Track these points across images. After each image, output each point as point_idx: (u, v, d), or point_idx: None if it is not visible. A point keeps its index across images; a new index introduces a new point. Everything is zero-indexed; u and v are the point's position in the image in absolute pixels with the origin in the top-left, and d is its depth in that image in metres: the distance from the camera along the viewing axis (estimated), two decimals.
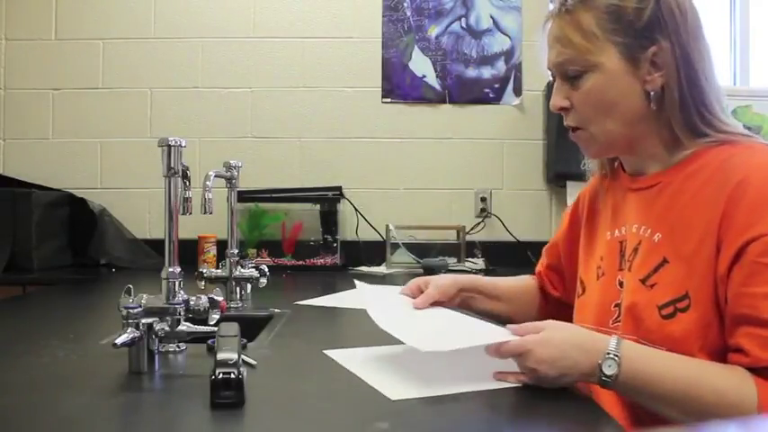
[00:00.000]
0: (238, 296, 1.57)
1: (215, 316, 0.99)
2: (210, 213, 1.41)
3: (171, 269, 0.98)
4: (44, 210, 2.39)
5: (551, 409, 0.81)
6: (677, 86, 0.93)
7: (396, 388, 0.84)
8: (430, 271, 2.34)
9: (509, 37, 2.70)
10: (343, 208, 2.61)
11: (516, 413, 0.83)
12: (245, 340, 0.97)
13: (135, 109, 2.69)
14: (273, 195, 2.54)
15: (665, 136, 0.97)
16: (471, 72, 2.70)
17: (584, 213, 1.16)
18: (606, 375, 0.82)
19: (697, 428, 0.39)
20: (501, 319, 1.22)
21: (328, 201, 2.55)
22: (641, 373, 0.83)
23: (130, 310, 0.90)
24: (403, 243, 2.51)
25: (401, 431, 0.72)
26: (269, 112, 2.70)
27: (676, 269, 0.90)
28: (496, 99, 2.70)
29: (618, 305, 0.99)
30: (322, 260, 2.49)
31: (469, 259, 2.54)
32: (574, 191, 1.11)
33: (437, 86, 2.70)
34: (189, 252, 1.96)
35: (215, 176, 1.50)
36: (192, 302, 0.98)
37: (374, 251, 2.55)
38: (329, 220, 2.54)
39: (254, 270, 1.57)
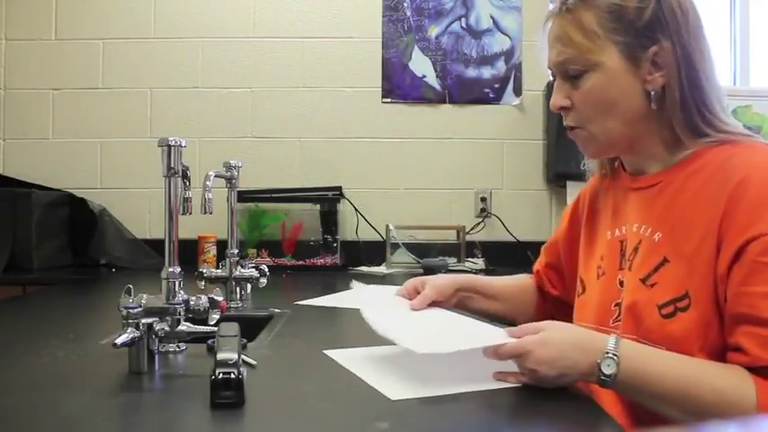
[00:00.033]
0: (238, 296, 1.57)
1: (215, 316, 0.99)
2: (210, 213, 1.41)
3: (171, 269, 0.98)
4: (44, 210, 2.39)
5: (551, 409, 0.81)
6: (678, 86, 0.93)
7: (396, 388, 0.83)
8: (430, 271, 2.34)
9: (509, 37, 2.70)
10: (343, 208, 2.61)
11: (516, 413, 0.83)
12: (245, 340, 0.97)
13: (135, 109, 2.69)
14: (273, 195, 2.54)
15: (666, 136, 0.97)
16: (471, 72, 2.70)
17: (584, 212, 1.16)
18: (605, 374, 0.82)
19: (697, 428, 0.39)
20: (498, 319, 1.22)
21: (328, 201, 2.55)
22: (640, 372, 0.83)
23: (130, 310, 0.90)
24: (403, 243, 2.51)
25: (401, 431, 0.72)
26: (269, 112, 2.70)
27: (677, 268, 0.90)
28: (496, 99, 2.70)
29: (618, 304, 0.99)
30: (322, 260, 2.49)
31: (469, 259, 2.54)
32: (574, 191, 1.12)
33: (437, 86, 2.70)
34: (189, 252, 1.96)
35: (215, 176, 1.50)
36: (192, 302, 0.98)
37: (374, 251, 2.55)
38: (329, 220, 2.54)
39: (254, 270, 1.57)
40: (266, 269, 1.58)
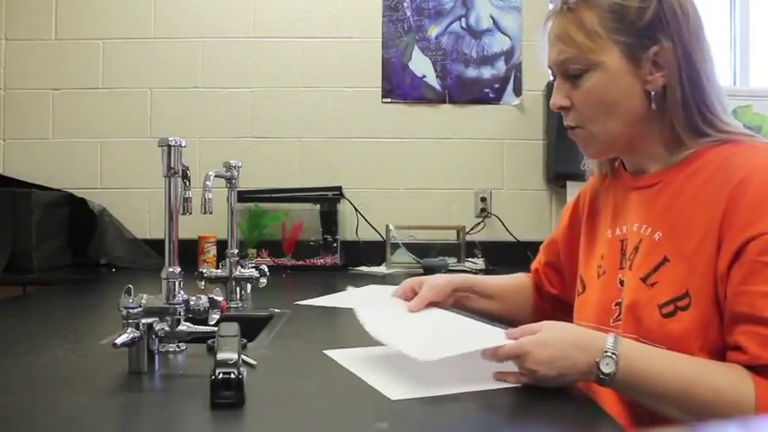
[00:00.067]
0: (238, 296, 1.57)
1: (215, 316, 0.99)
2: (210, 213, 1.41)
3: (171, 269, 0.98)
4: (44, 210, 2.39)
5: (551, 409, 0.81)
6: (679, 86, 0.93)
7: (396, 388, 0.83)
8: (430, 271, 2.34)
9: (509, 37, 2.70)
10: (343, 208, 2.60)
11: (516, 413, 0.83)
12: (245, 340, 0.97)
13: (135, 109, 2.69)
14: (273, 195, 2.54)
15: (666, 136, 0.97)
16: (471, 72, 2.70)
17: (584, 211, 1.16)
18: (604, 373, 0.82)
19: (697, 428, 0.39)
20: (496, 318, 1.22)
21: (328, 201, 2.55)
22: (639, 371, 0.83)
23: (130, 310, 0.90)
24: (403, 243, 2.51)
25: (401, 431, 0.72)
26: (269, 112, 2.70)
27: (677, 268, 0.90)
28: (496, 99, 2.70)
29: (618, 304, 0.99)
30: (322, 260, 2.49)
31: (469, 259, 2.54)
32: (574, 191, 1.12)
33: (437, 86, 2.70)
34: (189, 252, 1.96)
35: (215, 176, 1.50)
36: (192, 302, 0.98)
37: (374, 251, 2.55)
38: (329, 220, 2.54)
39: (254, 270, 1.57)
40: (266, 269, 1.58)
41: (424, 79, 2.70)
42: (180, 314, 0.96)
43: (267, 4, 2.71)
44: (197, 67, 2.70)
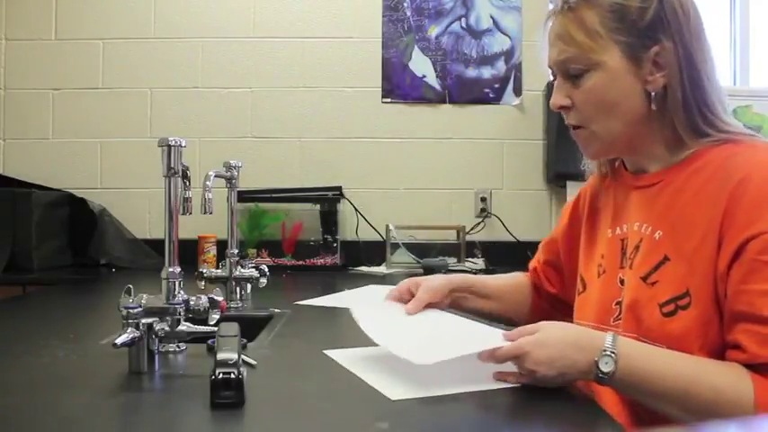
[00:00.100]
0: (238, 296, 1.57)
1: (215, 316, 0.99)
2: (210, 213, 1.41)
3: (171, 269, 0.98)
4: (44, 210, 2.39)
5: (551, 409, 0.81)
6: (680, 87, 0.93)
7: (396, 388, 0.84)
8: (430, 271, 2.34)
9: (509, 37, 2.70)
10: (343, 208, 2.60)
11: (516, 413, 0.83)
12: (245, 340, 0.97)
13: (135, 109, 2.69)
14: (273, 195, 2.54)
15: (667, 136, 0.97)
16: (471, 72, 2.70)
17: (584, 211, 1.16)
18: (603, 372, 0.82)
19: (697, 428, 0.39)
20: (494, 318, 1.22)
21: (328, 201, 2.55)
22: (638, 369, 0.83)
23: (130, 310, 0.90)
24: (403, 243, 2.51)
25: (401, 431, 0.72)
26: (269, 112, 2.70)
27: (677, 267, 0.90)
28: (496, 99, 2.70)
29: (619, 303, 0.99)
30: (322, 260, 2.49)
31: (469, 259, 2.54)
32: (574, 191, 1.12)
33: (437, 86, 2.70)
34: (189, 252, 1.96)
35: (215, 176, 1.50)
36: (192, 302, 0.98)
37: (374, 251, 2.55)
38: (329, 220, 2.54)
39: (254, 270, 1.57)
40: (266, 269, 1.58)
41: (424, 79, 2.70)
42: (180, 314, 0.96)
43: (267, 4, 2.71)
44: (197, 67, 2.70)
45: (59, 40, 2.69)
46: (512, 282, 1.30)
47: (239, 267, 1.57)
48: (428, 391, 0.83)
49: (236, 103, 2.70)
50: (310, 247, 2.52)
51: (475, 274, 2.33)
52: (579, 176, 1.20)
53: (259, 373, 0.92)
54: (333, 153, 2.70)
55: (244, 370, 0.78)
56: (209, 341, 0.97)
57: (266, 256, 2.48)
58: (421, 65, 2.69)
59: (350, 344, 1.06)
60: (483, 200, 2.69)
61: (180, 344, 1.02)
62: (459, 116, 2.71)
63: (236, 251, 1.60)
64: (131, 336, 0.89)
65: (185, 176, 1.01)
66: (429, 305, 1.10)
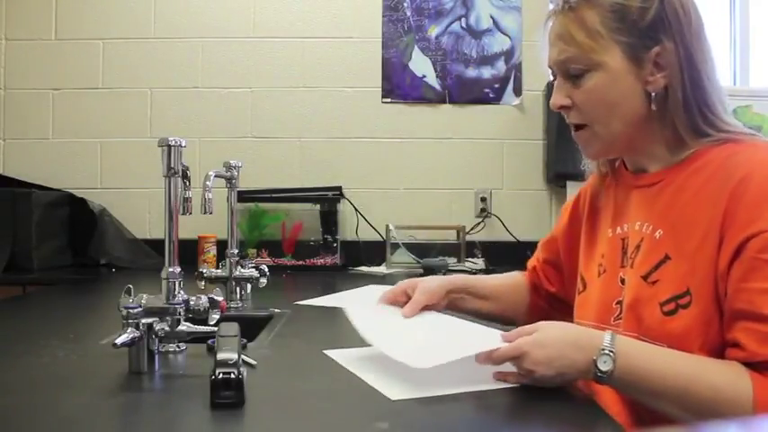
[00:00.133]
0: (238, 296, 1.57)
1: (215, 316, 0.99)
2: (210, 213, 1.41)
3: (171, 269, 0.98)
4: (44, 210, 2.39)
5: (551, 409, 0.81)
6: (680, 87, 0.93)
7: (396, 388, 0.84)
8: (430, 271, 2.35)
9: (509, 37, 2.70)
10: (343, 208, 2.60)
11: (516, 413, 0.83)
12: (245, 340, 0.97)
13: (135, 109, 2.69)
14: (273, 195, 2.54)
15: (668, 136, 0.97)
16: (471, 72, 2.70)
17: (584, 210, 1.16)
18: (601, 371, 0.82)
19: (698, 428, 0.39)
20: (492, 318, 1.22)
21: (328, 201, 2.55)
22: (637, 368, 0.83)
23: (130, 310, 0.90)
24: (403, 243, 2.51)
25: (401, 431, 0.72)
26: (269, 112, 2.70)
27: (678, 266, 0.90)
28: (496, 99, 2.70)
29: (619, 302, 0.99)
30: (322, 260, 2.49)
31: (469, 259, 2.54)
32: (574, 191, 1.12)
33: (437, 86, 2.70)
34: (189, 252, 1.96)
35: (215, 176, 1.50)
36: (192, 302, 0.98)
37: (374, 251, 2.55)
38: (329, 220, 2.54)
39: (254, 270, 1.57)
40: (266, 269, 1.58)
41: (424, 79, 2.70)
42: (180, 314, 0.96)
43: (267, 4, 2.71)
44: (197, 67, 2.70)
45: (59, 40, 2.69)
46: (509, 282, 1.30)
47: (239, 267, 1.57)
48: (428, 391, 0.83)
49: (236, 103, 2.70)
50: (310, 247, 2.52)
51: (474, 274, 2.34)
52: (579, 176, 1.20)
53: (259, 373, 0.92)
54: (333, 153, 2.70)
55: (244, 370, 0.78)
56: (209, 341, 0.97)
57: (266, 256, 2.48)
58: (421, 65, 2.69)
59: (350, 344, 1.06)
60: (483, 200, 2.69)
61: (180, 344, 1.02)
62: (459, 116, 2.71)
63: (236, 251, 1.60)
64: (131, 336, 0.89)
65: (185, 176, 1.01)
66: (426, 307, 1.10)
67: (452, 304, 1.18)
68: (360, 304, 1.12)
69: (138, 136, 2.67)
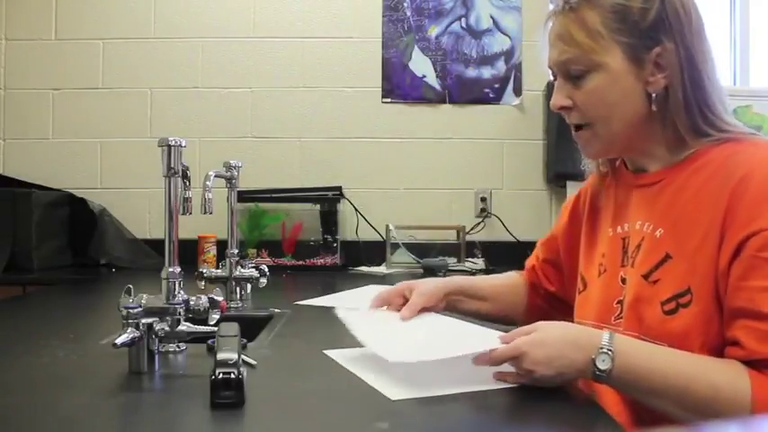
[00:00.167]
0: (238, 296, 1.57)
1: (215, 316, 0.99)
2: (210, 213, 1.41)
3: (171, 269, 0.98)
4: (44, 210, 2.39)
5: (551, 409, 0.81)
6: (681, 88, 0.93)
7: (396, 388, 0.84)
8: (430, 271, 2.35)
9: (509, 37, 2.70)
10: (343, 208, 2.60)
11: (516, 413, 0.83)
12: (245, 340, 0.97)
13: (135, 109, 2.69)
14: (273, 195, 2.54)
15: (668, 136, 0.97)
16: (471, 72, 2.70)
17: (584, 209, 1.16)
18: (600, 370, 0.82)
19: (698, 428, 0.39)
20: (490, 319, 1.22)
21: (328, 201, 2.55)
22: (636, 367, 0.83)
23: (130, 310, 0.90)
24: (403, 243, 2.51)
25: (401, 431, 0.72)
26: (269, 112, 2.70)
27: (679, 265, 0.90)
28: (496, 99, 2.70)
29: (620, 302, 0.99)
30: (322, 260, 2.49)
31: (469, 259, 2.54)
32: (574, 191, 1.12)
33: (437, 86, 2.70)
34: (189, 252, 1.96)
35: (215, 176, 1.50)
36: (192, 302, 0.98)
37: (374, 251, 2.55)
38: (329, 220, 2.54)
39: (254, 270, 1.57)
40: (266, 269, 1.58)
41: (424, 79, 2.70)
42: (180, 314, 0.96)
43: (267, 4, 2.71)
44: (197, 67, 2.70)
45: (59, 40, 2.69)
46: (507, 282, 1.30)
47: (239, 267, 1.57)
48: (428, 391, 0.83)
49: (236, 103, 2.70)
50: (310, 247, 2.52)
51: (474, 274, 2.34)
52: (579, 176, 1.20)
53: (259, 373, 0.92)
54: (333, 153, 2.70)
55: (244, 370, 0.78)
56: (209, 341, 0.97)
57: (266, 256, 2.48)
58: (421, 65, 2.69)
59: (350, 344, 1.06)
60: (483, 200, 2.69)
61: (180, 344, 1.02)
62: (459, 116, 2.71)
63: (236, 251, 1.60)
64: (131, 336, 0.89)
65: (185, 176, 1.01)
66: (424, 309, 1.10)
67: (450, 306, 1.18)
68: (353, 308, 1.11)
69: (138, 136, 2.67)
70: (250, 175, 2.45)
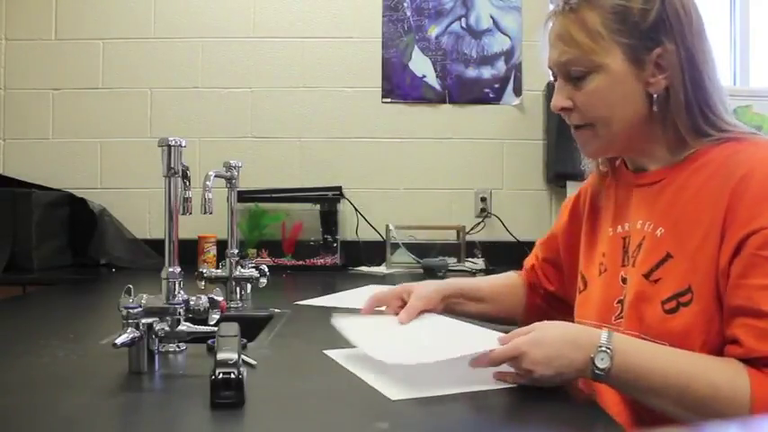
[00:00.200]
0: (238, 296, 1.57)
1: (215, 316, 0.99)
2: (210, 213, 1.41)
3: (171, 269, 0.98)
4: (44, 210, 2.39)
5: (551, 409, 0.81)
6: (682, 88, 0.93)
7: (396, 388, 0.83)
8: (430, 270, 2.35)
9: (509, 37, 2.70)
10: (343, 208, 2.60)
11: (516, 413, 0.83)
12: (245, 340, 0.97)
13: (135, 109, 2.69)
14: (273, 195, 2.54)
15: (669, 136, 0.96)
16: (471, 72, 2.70)
17: (585, 209, 1.16)
18: (599, 369, 0.82)
19: (698, 428, 0.39)
20: (489, 320, 1.22)
21: (328, 201, 2.55)
22: (635, 366, 0.83)
23: (130, 310, 0.90)
24: (403, 243, 2.51)
25: (401, 431, 0.72)
26: (269, 112, 2.70)
27: (680, 264, 0.90)
28: (496, 99, 2.70)
29: (621, 301, 0.99)
30: (322, 260, 2.49)
31: (469, 259, 2.54)
32: (574, 191, 1.12)
33: (437, 86, 2.70)
34: (189, 252, 1.96)
35: (215, 176, 1.50)
36: (192, 302, 0.98)
37: (374, 251, 2.55)
38: (329, 220, 2.54)
39: (254, 270, 1.57)
40: (266, 269, 1.58)
41: (424, 79, 2.70)
42: (180, 314, 0.96)
43: (267, 4, 2.71)
44: (197, 67, 2.70)
45: (59, 40, 2.69)
46: (506, 282, 1.30)
47: (239, 267, 1.57)
48: (428, 391, 0.83)
49: (236, 103, 2.70)
50: (310, 247, 2.51)
51: (474, 274, 2.34)
52: (579, 176, 1.20)
53: (259, 373, 0.92)
54: (333, 153, 2.70)
55: (244, 370, 0.78)
56: (209, 341, 0.97)
57: (266, 256, 2.48)
58: (421, 65, 2.69)
59: (350, 344, 1.05)
60: (483, 200, 2.69)
61: (180, 344, 1.02)
62: (459, 116, 2.71)
63: (236, 251, 1.60)
64: (131, 336, 0.89)
65: (185, 176, 1.01)
66: (422, 312, 1.10)
67: (449, 309, 1.18)
68: (350, 315, 1.11)
69: (138, 136, 2.67)
70: (250, 175, 2.45)
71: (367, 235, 2.62)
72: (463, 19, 2.70)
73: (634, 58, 0.94)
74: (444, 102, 2.70)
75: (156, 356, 0.93)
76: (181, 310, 0.96)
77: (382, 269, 2.46)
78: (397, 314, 1.10)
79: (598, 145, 1.02)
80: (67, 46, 2.69)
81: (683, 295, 0.88)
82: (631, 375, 0.83)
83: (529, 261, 1.30)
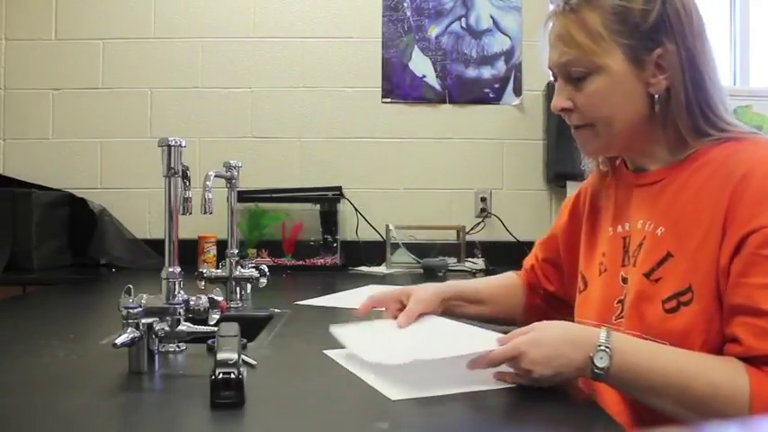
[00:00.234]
0: (238, 296, 1.57)
1: (215, 316, 0.99)
2: (210, 213, 1.41)
3: (171, 269, 0.98)
4: (44, 210, 2.39)
5: (551, 409, 0.81)
6: (683, 89, 0.93)
7: (396, 388, 0.83)
8: (430, 271, 2.35)
9: (509, 37, 2.70)
10: (343, 208, 2.60)
11: (516, 413, 0.83)
12: (245, 340, 0.97)
13: (135, 109, 2.69)
14: (273, 195, 2.54)
15: (669, 136, 0.96)
16: (471, 72, 2.70)
17: (585, 209, 1.16)
18: (598, 368, 0.82)
19: (698, 428, 0.39)
20: (489, 321, 1.22)
21: (328, 201, 2.55)
22: (634, 365, 0.83)
23: (130, 310, 0.91)
24: (403, 243, 2.51)
25: (401, 431, 0.72)
26: (269, 112, 2.70)
27: (680, 263, 0.90)
28: (496, 99, 2.70)
29: (621, 301, 0.99)
30: (322, 260, 2.49)
31: (469, 259, 2.54)
32: (574, 191, 1.12)
33: (437, 86, 2.70)
34: (189, 252, 1.96)
35: (215, 176, 1.50)
36: (192, 302, 0.98)
37: (374, 251, 2.55)
38: (329, 220, 2.54)
39: (254, 270, 1.57)
40: (266, 269, 1.58)
41: (424, 79, 2.70)
42: (180, 314, 0.96)
43: (267, 4, 2.71)
44: (197, 67, 2.70)
45: (59, 40, 2.69)
46: (505, 283, 1.30)
47: (239, 267, 1.57)
48: (428, 391, 0.83)
49: (236, 103, 2.70)
50: (310, 247, 2.52)
51: (474, 274, 2.34)
52: (579, 176, 1.20)
53: (259, 373, 0.92)
54: (333, 153, 2.70)
55: (244, 370, 0.78)
56: (209, 341, 0.97)
57: (266, 256, 2.48)
58: (421, 65, 2.69)
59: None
60: (483, 200, 2.69)
61: (180, 344, 1.02)
62: (459, 116, 2.71)
63: (236, 251, 1.60)
64: (131, 336, 0.89)
65: (185, 176, 1.01)
66: (420, 316, 1.10)
67: (448, 311, 1.18)
68: (349, 325, 1.10)
69: (138, 136, 2.67)
70: (250, 175, 2.45)
71: (367, 235, 2.62)
72: (463, 19, 2.70)
73: (635, 58, 0.94)
74: (444, 102, 2.70)
75: (156, 356, 0.93)
76: (181, 310, 0.96)
77: (382, 269, 2.46)
78: (395, 317, 1.10)
79: (598, 144, 1.01)
80: (67, 46, 2.69)
81: (683, 294, 0.88)
82: (631, 374, 0.83)
83: (528, 261, 1.30)
